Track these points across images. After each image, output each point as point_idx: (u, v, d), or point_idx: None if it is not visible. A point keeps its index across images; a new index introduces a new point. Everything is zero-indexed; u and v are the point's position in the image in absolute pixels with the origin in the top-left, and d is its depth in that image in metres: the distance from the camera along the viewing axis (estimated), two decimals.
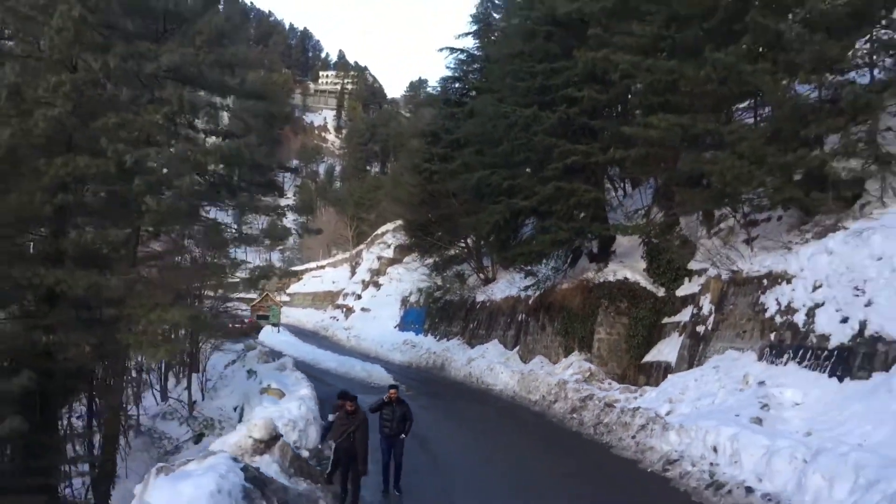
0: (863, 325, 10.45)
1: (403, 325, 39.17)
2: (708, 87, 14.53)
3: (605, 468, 11.55)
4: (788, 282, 12.55)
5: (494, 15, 34.40)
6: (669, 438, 11.13)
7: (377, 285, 51.39)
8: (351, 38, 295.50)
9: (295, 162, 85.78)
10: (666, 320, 17.48)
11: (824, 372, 10.76)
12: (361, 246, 65.32)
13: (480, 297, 29.50)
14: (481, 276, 31.61)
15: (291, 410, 12.56)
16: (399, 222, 54.52)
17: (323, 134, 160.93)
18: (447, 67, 60.88)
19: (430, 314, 34.94)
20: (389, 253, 53.99)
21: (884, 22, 13.44)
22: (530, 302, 23.07)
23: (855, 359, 10.40)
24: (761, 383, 11.38)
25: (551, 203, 18.88)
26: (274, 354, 25.05)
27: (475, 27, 33.86)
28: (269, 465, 9.07)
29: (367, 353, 34.12)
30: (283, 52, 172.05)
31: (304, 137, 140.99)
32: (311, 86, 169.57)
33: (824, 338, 11.06)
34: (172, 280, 16.42)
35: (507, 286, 26.96)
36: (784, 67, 13.48)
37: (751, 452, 9.28)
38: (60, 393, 15.06)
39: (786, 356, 11.76)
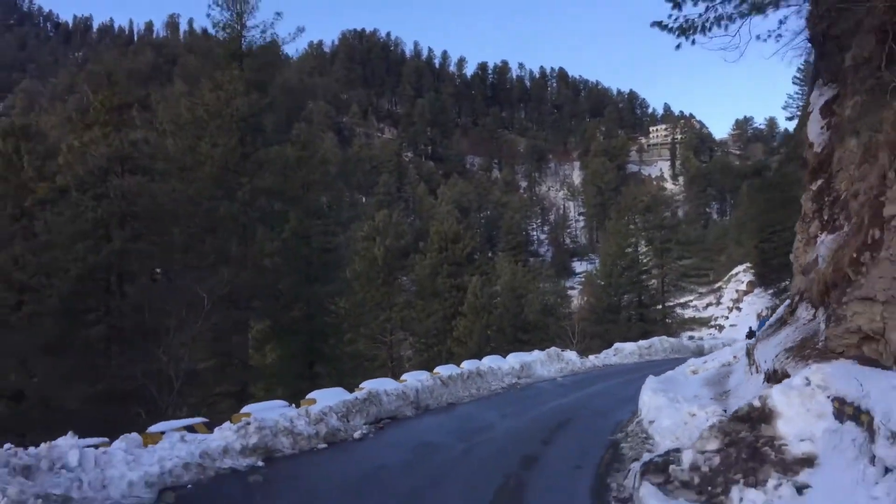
0: None
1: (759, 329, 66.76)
2: None
3: None
4: None
5: None
6: None
7: (738, 309, 79.18)
8: (672, 89, 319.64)
9: None
10: None
11: None
12: (720, 283, 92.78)
13: None
14: None
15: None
16: (746, 265, 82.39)
17: (661, 184, 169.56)
18: None
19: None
20: (742, 287, 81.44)
21: None
22: None
23: None
24: None
25: None
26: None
27: None
28: None
29: None
30: (616, 117, 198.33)
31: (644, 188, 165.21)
32: (644, 141, 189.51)
33: None
34: None
35: None
36: None
37: None
38: None
39: None
